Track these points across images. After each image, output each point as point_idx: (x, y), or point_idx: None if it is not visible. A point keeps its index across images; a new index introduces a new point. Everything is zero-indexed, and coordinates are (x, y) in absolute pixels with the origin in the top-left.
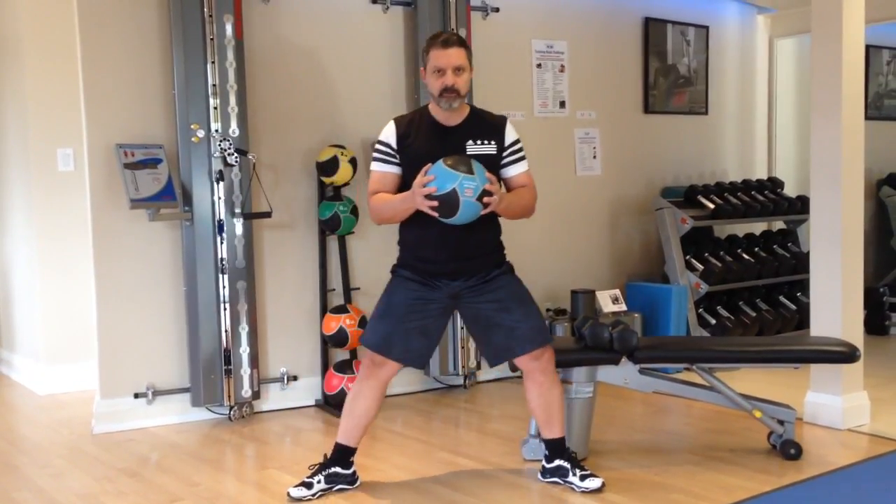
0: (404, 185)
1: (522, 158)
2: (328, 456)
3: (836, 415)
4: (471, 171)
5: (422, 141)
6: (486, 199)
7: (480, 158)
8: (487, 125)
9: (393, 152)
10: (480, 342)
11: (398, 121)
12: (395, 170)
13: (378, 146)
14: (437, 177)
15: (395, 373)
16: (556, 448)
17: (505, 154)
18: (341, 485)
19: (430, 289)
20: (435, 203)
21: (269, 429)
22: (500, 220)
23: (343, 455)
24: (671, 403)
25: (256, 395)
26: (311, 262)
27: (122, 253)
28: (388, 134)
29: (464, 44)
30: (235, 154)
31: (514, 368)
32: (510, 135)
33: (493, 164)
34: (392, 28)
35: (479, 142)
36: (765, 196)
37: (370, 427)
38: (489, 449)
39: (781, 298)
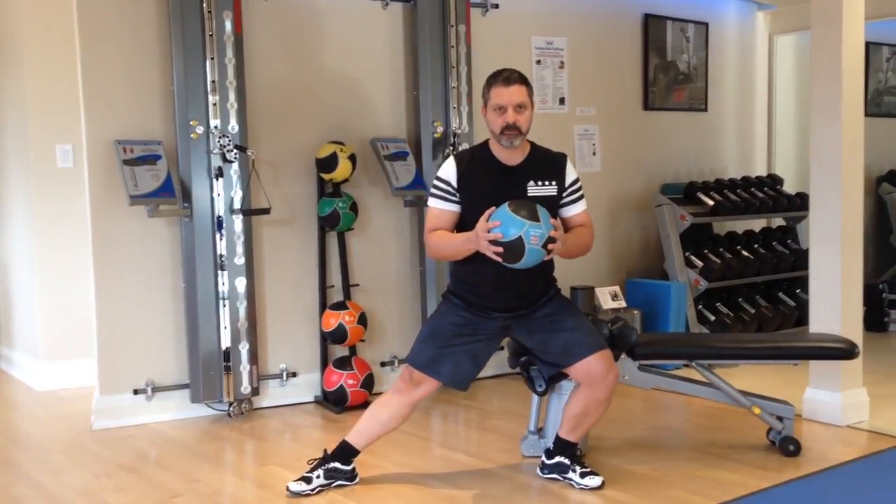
0: (462, 222)
1: (582, 197)
2: (328, 451)
3: (835, 411)
4: (536, 218)
5: (482, 180)
6: (550, 246)
7: (542, 200)
8: (548, 165)
9: (453, 190)
10: (538, 357)
11: (458, 158)
12: (455, 208)
13: (437, 182)
14: (503, 223)
15: (430, 394)
16: (563, 446)
17: (565, 195)
18: (340, 481)
19: (481, 318)
20: (500, 249)
21: (268, 425)
22: None
23: (346, 453)
24: (670, 400)
25: (256, 391)
26: (310, 259)
27: (122, 249)
28: (448, 171)
29: (525, 81)
30: (234, 150)
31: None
32: (570, 174)
33: (554, 205)
34: (392, 24)
35: (539, 182)
36: (764, 193)
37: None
38: (488, 445)
39: (781, 295)
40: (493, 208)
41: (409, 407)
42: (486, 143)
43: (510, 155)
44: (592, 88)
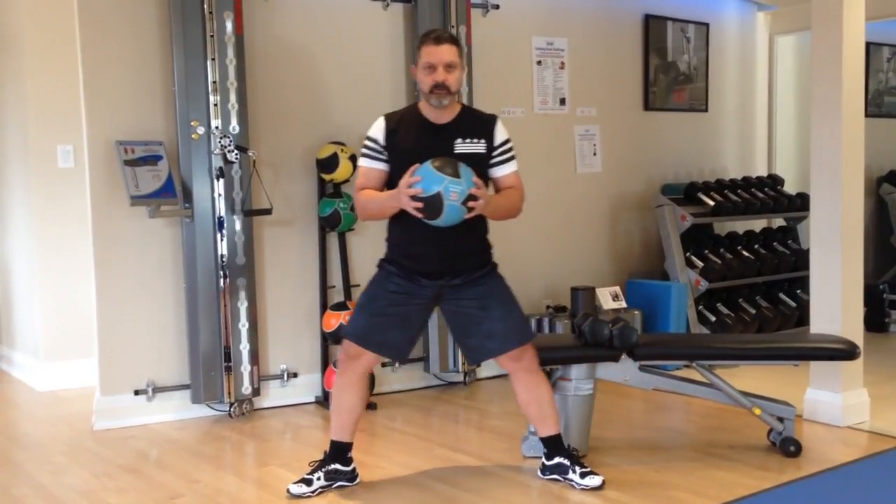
0: (391, 181)
1: (512, 159)
2: (328, 453)
3: (835, 412)
4: (457, 175)
5: (410, 138)
6: (470, 204)
7: (468, 157)
8: (477, 123)
9: (380, 148)
10: (461, 340)
11: (388, 117)
12: (382, 166)
13: (366, 142)
14: (424, 178)
15: (373, 364)
16: (554, 445)
17: (494, 154)
18: (341, 481)
19: (415, 285)
20: (420, 204)
21: (269, 426)
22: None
23: (340, 451)
24: (671, 400)
25: (256, 391)
26: (311, 259)
27: (123, 250)
28: (377, 130)
29: (456, 41)
30: (235, 151)
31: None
32: (500, 134)
33: (482, 163)
34: (392, 25)
35: (468, 140)
36: (765, 193)
37: (369, 424)
38: (489, 446)
39: (781, 295)
40: (418, 165)
41: (360, 381)
42: (416, 104)
43: (439, 114)
44: (593, 89)
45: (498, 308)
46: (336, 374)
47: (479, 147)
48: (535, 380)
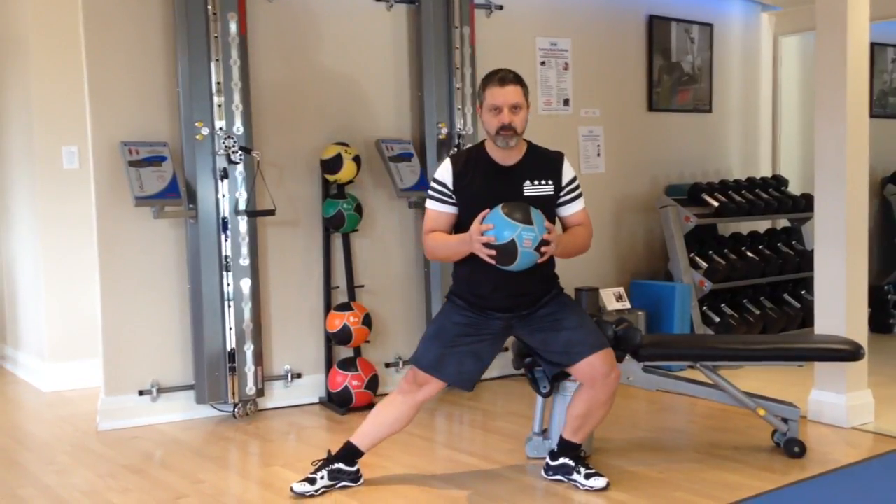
0: (460, 224)
1: (579, 196)
2: (332, 452)
3: (840, 413)
4: (529, 221)
5: (478, 181)
6: (543, 249)
7: (538, 200)
8: (545, 164)
9: (449, 192)
10: (541, 356)
11: (454, 159)
12: (451, 209)
13: (433, 184)
14: (496, 226)
15: (435, 395)
16: (567, 447)
17: (562, 193)
18: (345, 482)
19: (484, 317)
20: (493, 252)
21: (273, 426)
22: None
23: (350, 454)
24: (675, 401)
25: (260, 392)
26: (315, 260)
27: (127, 250)
28: (444, 173)
29: (521, 81)
30: (239, 152)
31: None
32: (567, 173)
33: (550, 204)
34: (396, 25)
35: (536, 182)
36: (769, 194)
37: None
38: (493, 447)
39: (785, 296)
40: (488, 210)
41: (414, 408)
42: (482, 144)
43: (506, 155)
44: (597, 90)
45: (571, 319)
46: (396, 391)
47: (547, 189)
48: (605, 396)
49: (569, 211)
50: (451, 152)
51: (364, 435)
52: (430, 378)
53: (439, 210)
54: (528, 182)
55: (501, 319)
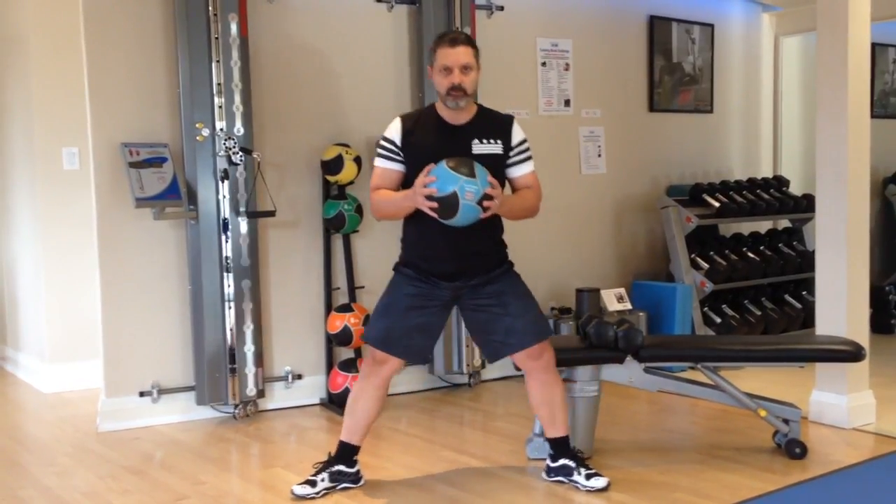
0: (407, 181)
1: (529, 159)
2: (332, 454)
3: (841, 414)
4: (472, 175)
5: (427, 139)
6: (486, 203)
7: (486, 158)
8: (494, 124)
9: (397, 149)
10: (479, 339)
11: (404, 118)
12: (398, 167)
13: (382, 142)
14: (439, 178)
15: (397, 370)
16: (560, 447)
17: (511, 154)
18: (345, 483)
19: (431, 287)
20: (435, 204)
21: (273, 427)
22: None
23: (347, 453)
24: (676, 402)
25: (261, 393)
26: (315, 261)
27: (127, 251)
28: (393, 131)
29: (472, 42)
30: (240, 153)
31: (518, 367)
32: (517, 134)
33: (499, 164)
34: (397, 26)
35: (485, 141)
36: (770, 194)
37: (373, 426)
38: (493, 448)
39: (787, 297)
40: (433, 164)
41: (381, 387)
42: (433, 105)
43: (456, 115)
44: (598, 90)
45: (516, 305)
46: (358, 378)
47: (496, 148)
48: (550, 379)
49: (517, 172)
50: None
51: (349, 430)
52: (385, 354)
53: (386, 167)
54: (476, 140)
55: (449, 289)
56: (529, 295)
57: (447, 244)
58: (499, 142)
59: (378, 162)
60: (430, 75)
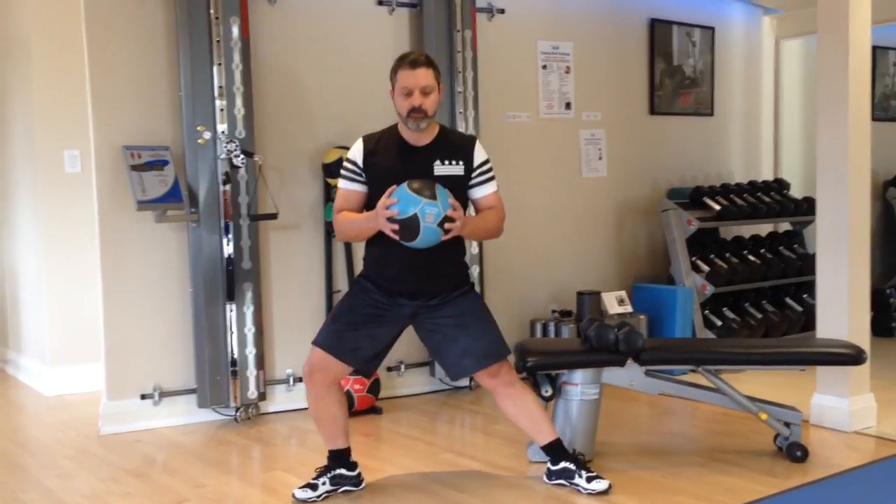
0: (370, 203)
1: (491, 179)
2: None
3: (842, 417)
4: (434, 197)
5: (388, 160)
6: (447, 226)
7: (447, 179)
8: (456, 145)
9: (359, 170)
10: (438, 358)
11: (366, 138)
12: (360, 188)
13: (345, 163)
14: (400, 200)
15: (341, 375)
16: (556, 451)
17: (473, 175)
18: (346, 486)
19: (391, 302)
20: (396, 226)
21: (274, 430)
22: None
23: (340, 457)
24: (677, 405)
25: (262, 396)
26: (316, 264)
27: (129, 254)
28: (356, 151)
29: (432, 64)
30: (242, 156)
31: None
32: (479, 155)
33: (461, 185)
34: (398, 29)
35: (446, 162)
36: (771, 197)
37: (374, 428)
38: (494, 450)
39: (787, 300)
40: (395, 186)
41: (331, 389)
42: (395, 126)
43: (417, 137)
44: (598, 93)
45: (474, 326)
46: (306, 394)
47: (457, 169)
48: (516, 391)
49: (480, 193)
50: None
51: (329, 439)
52: (325, 362)
53: (349, 188)
54: (438, 161)
55: (409, 307)
56: (489, 316)
57: (408, 265)
58: (460, 163)
59: (341, 183)
60: (391, 96)
